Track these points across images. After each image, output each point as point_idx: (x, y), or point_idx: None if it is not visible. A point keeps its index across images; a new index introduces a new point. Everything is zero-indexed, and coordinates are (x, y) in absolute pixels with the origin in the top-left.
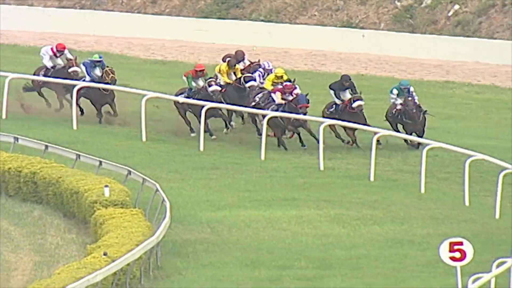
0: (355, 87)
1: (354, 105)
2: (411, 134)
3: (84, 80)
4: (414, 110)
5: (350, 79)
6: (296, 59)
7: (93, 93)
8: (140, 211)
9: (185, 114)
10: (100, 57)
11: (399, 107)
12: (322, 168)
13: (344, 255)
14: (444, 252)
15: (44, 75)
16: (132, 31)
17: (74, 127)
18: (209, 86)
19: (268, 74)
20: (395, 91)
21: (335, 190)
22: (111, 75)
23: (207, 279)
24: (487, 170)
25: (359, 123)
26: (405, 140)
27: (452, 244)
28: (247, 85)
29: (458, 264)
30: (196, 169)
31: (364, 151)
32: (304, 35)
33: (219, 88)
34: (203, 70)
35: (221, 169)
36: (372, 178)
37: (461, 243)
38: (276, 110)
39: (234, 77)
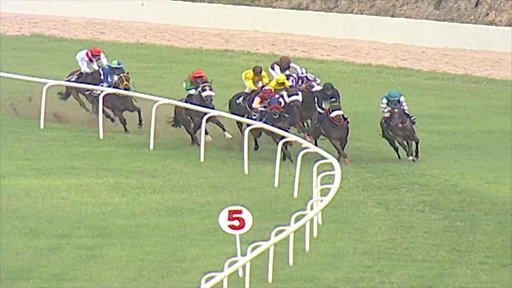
0: (339, 95)
1: (332, 115)
2: (407, 144)
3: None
4: (400, 124)
5: (333, 87)
6: (75, 27)
7: (111, 100)
8: None
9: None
10: (119, 64)
11: (386, 114)
12: (102, 137)
13: (124, 224)
14: (223, 221)
15: (76, 80)
16: None
17: (101, 136)
18: (203, 91)
19: (302, 81)
20: (384, 101)
21: (114, 158)
22: (125, 82)
23: None
24: (266, 139)
25: (342, 134)
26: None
27: (231, 213)
28: (289, 99)
29: (237, 232)
30: None
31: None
32: (83, 3)
33: (213, 94)
34: (202, 76)
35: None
36: (151, 147)
37: (240, 212)
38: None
39: (260, 85)
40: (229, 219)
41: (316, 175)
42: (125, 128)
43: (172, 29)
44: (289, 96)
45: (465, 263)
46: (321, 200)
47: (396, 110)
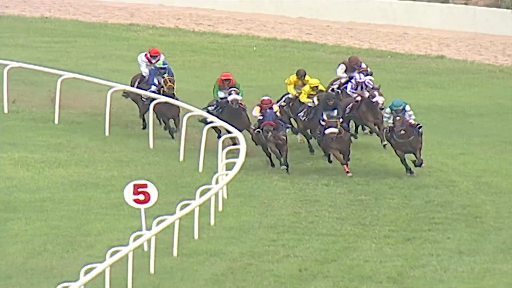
0: (340, 105)
1: (327, 132)
2: (404, 157)
3: (149, 90)
4: (402, 132)
5: (334, 97)
6: None
7: (158, 106)
8: None
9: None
10: (164, 64)
11: (390, 124)
12: (6, 111)
13: (28, 198)
14: (128, 195)
15: (138, 84)
16: None
17: (5, 110)
18: (229, 94)
19: (361, 87)
20: (388, 110)
21: (19, 133)
22: (169, 83)
23: None
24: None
25: (342, 146)
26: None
27: (136, 187)
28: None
29: (142, 207)
30: None
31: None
32: None
33: (239, 98)
34: (230, 79)
35: None
36: (56, 121)
37: (145, 186)
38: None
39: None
40: (134, 193)
41: (221, 150)
42: (172, 136)
43: (77, 3)
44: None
45: (370, 237)
46: (226, 174)
47: (397, 118)
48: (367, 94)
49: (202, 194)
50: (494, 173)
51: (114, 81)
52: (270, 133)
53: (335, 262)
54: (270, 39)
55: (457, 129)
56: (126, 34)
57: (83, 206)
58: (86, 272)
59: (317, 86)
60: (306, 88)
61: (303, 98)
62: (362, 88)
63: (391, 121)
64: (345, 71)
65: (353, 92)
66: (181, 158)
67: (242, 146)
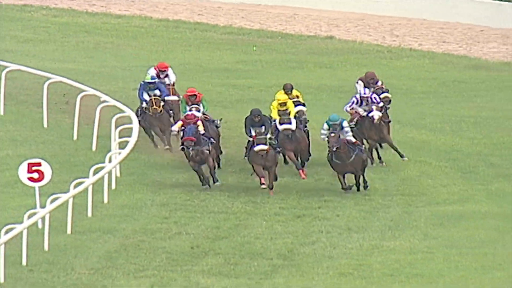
0: (270, 122)
1: (256, 148)
2: (343, 176)
3: (140, 106)
4: (335, 149)
5: (259, 114)
6: None
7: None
8: None
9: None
10: (152, 78)
11: (325, 140)
12: None
13: None
14: (23, 173)
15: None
16: None
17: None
18: (189, 111)
19: (365, 103)
20: (325, 126)
21: None
22: (154, 106)
23: None
24: (66, 92)
25: (267, 164)
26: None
27: (30, 165)
28: (281, 127)
29: (36, 185)
30: None
31: None
32: None
33: (199, 114)
34: (195, 95)
35: None
36: None
37: (39, 164)
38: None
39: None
40: (28, 172)
41: (114, 129)
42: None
43: None
44: (281, 123)
45: (261, 214)
46: (119, 153)
47: (332, 134)
48: (361, 111)
49: (95, 172)
50: (382, 151)
51: (8, 61)
52: (191, 149)
53: (227, 239)
54: (162, 20)
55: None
56: (20, 15)
57: None
58: None
59: (285, 103)
60: (274, 103)
61: (274, 115)
62: (367, 103)
63: (327, 138)
64: (364, 87)
65: (347, 110)
66: (75, 137)
67: (135, 126)
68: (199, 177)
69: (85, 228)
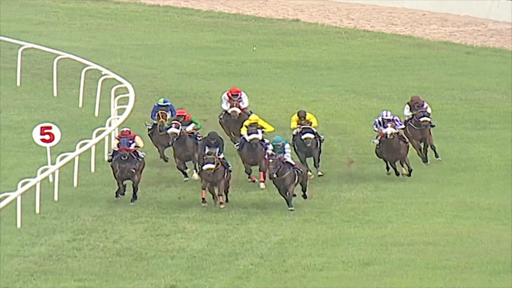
0: (223, 144)
1: (204, 167)
2: (286, 194)
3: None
4: (275, 175)
5: (216, 136)
6: None
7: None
8: None
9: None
10: (165, 101)
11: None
12: None
13: None
14: (36, 135)
15: (221, 119)
16: None
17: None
18: (170, 127)
19: (384, 125)
20: (270, 147)
21: None
22: (161, 119)
23: None
24: (73, 67)
25: (214, 180)
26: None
27: (43, 128)
28: (249, 137)
29: (48, 145)
30: None
31: None
32: None
33: (178, 131)
34: (184, 116)
35: None
36: None
37: (50, 128)
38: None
39: None
40: (41, 134)
41: (114, 97)
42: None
43: None
44: (248, 134)
45: (236, 177)
46: (118, 118)
47: (271, 160)
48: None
49: (98, 134)
50: (340, 117)
51: (24, 40)
52: (117, 165)
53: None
54: (154, 5)
55: (310, 80)
56: (34, 2)
57: None
58: (1, 200)
59: (255, 123)
60: (246, 122)
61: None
62: (385, 125)
63: (271, 160)
64: (410, 110)
65: (375, 130)
66: (80, 105)
67: (131, 95)
68: (118, 188)
69: (89, 181)
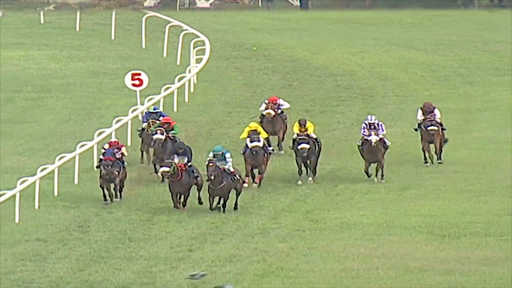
0: (191, 153)
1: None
2: (213, 199)
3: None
4: (213, 177)
5: (183, 145)
6: None
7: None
8: None
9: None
10: (155, 109)
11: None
12: (43, 21)
13: (58, 83)
14: (128, 80)
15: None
16: None
17: (42, 21)
18: (155, 133)
19: (375, 128)
20: (211, 155)
21: (52, 37)
22: (151, 127)
23: None
24: (158, 23)
25: (180, 190)
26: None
27: (133, 75)
28: (251, 145)
29: (137, 89)
30: None
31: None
32: None
33: (163, 138)
34: (169, 123)
35: None
36: (77, 29)
37: (139, 74)
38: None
39: None
40: (132, 79)
41: (193, 48)
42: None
43: None
44: (251, 141)
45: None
46: (196, 66)
47: (210, 164)
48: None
49: (179, 80)
50: (382, 65)
51: None
52: (103, 169)
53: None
54: None
55: (357, 35)
56: None
57: (96, 88)
58: (99, 135)
59: (255, 130)
60: (246, 130)
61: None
62: (375, 128)
63: (211, 163)
64: (422, 114)
65: (363, 134)
66: (165, 55)
67: (207, 47)
68: (103, 194)
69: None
